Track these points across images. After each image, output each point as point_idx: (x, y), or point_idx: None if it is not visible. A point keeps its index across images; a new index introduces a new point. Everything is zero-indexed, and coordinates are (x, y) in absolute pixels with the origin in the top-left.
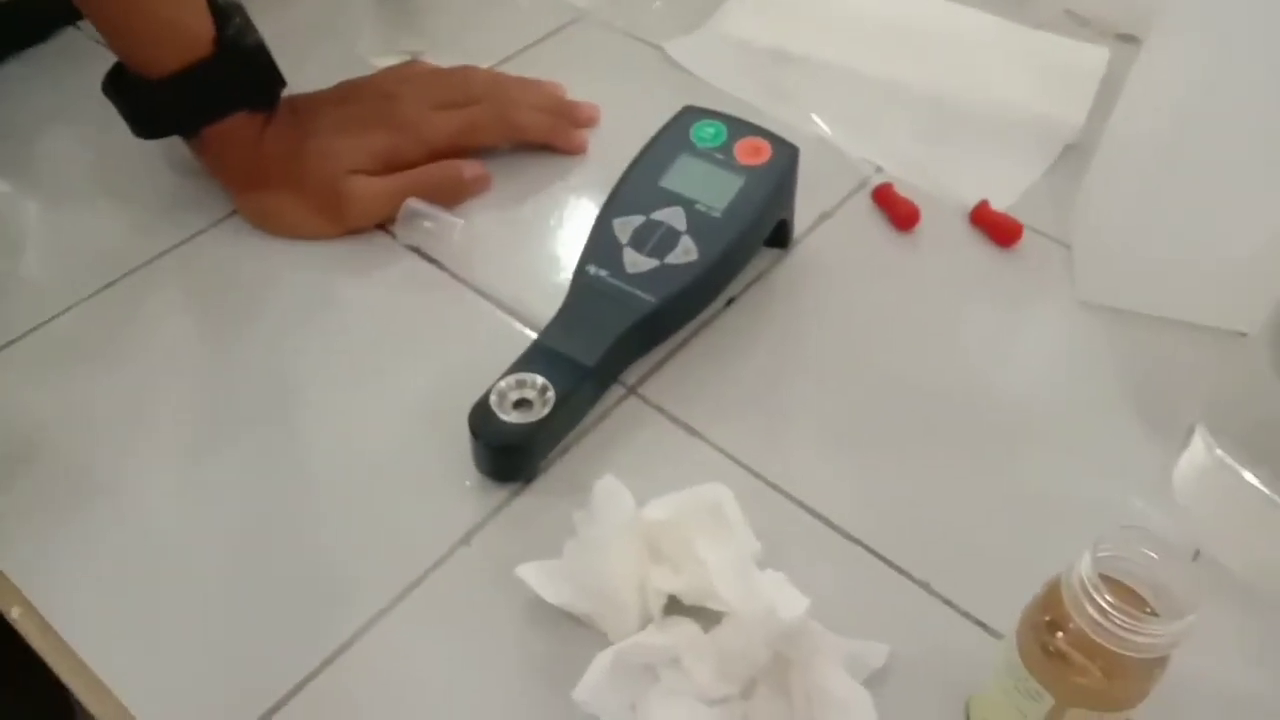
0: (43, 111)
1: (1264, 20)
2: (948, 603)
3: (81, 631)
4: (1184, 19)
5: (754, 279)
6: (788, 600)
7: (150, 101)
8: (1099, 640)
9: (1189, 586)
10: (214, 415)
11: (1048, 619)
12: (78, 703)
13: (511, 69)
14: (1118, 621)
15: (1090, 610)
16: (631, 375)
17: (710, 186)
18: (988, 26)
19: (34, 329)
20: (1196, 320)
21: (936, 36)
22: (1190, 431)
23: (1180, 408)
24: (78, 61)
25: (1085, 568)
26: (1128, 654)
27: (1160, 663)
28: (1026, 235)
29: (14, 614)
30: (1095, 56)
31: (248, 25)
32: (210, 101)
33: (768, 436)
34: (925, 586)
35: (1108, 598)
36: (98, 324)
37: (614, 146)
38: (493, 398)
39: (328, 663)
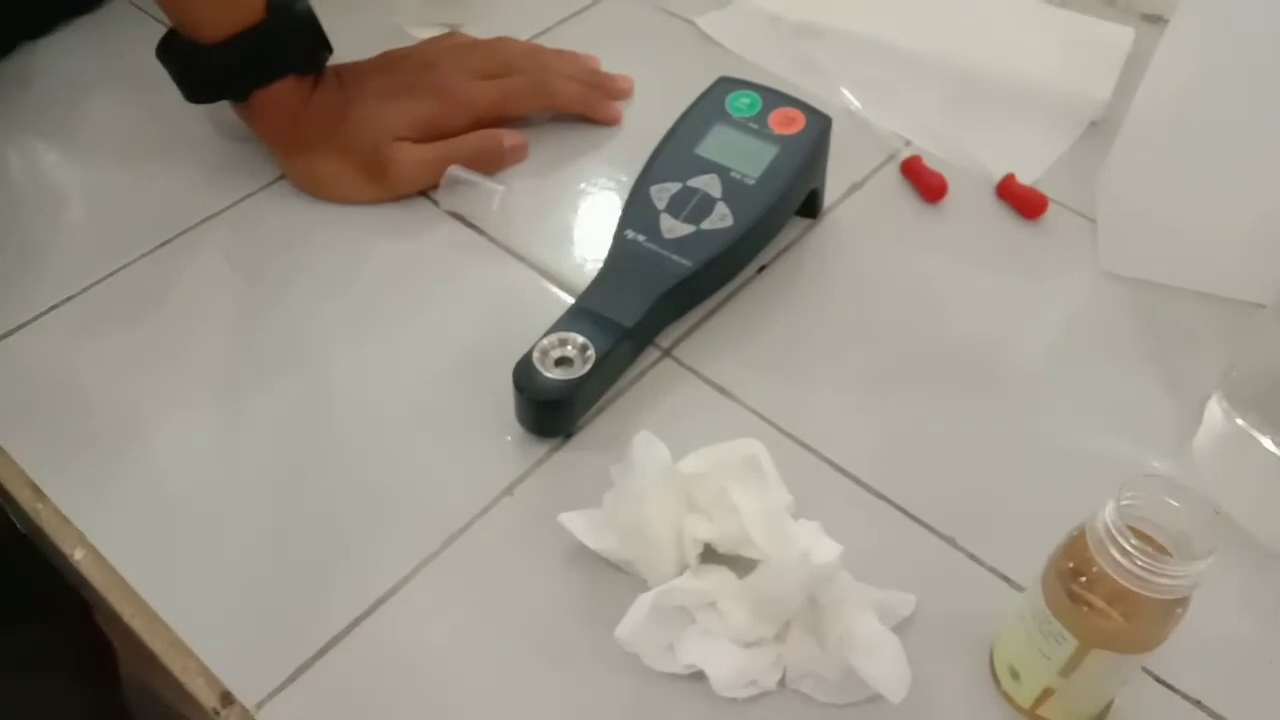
0: (94, 78)
1: None
2: (972, 557)
3: (139, 571)
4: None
5: (785, 247)
6: (822, 546)
7: (202, 66)
8: (1121, 582)
9: (1208, 531)
10: (261, 373)
11: (1071, 565)
12: (120, 640)
13: (547, 42)
14: (1139, 563)
15: (1114, 553)
16: (666, 338)
17: (745, 155)
18: (1016, 5)
19: (88, 287)
20: (1218, 292)
21: (966, 13)
22: (1209, 399)
23: (1200, 376)
24: (127, 30)
25: (1110, 513)
26: (1148, 595)
27: (1180, 605)
28: (1052, 208)
29: (76, 555)
30: (1121, 35)
31: None
32: (260, 66)
33: (797, 397)
34: (950, 541)
35: (1133, 541)
36: (148, 283)
37: (647, 118)
38: (535, 354)
39: (379, 603)
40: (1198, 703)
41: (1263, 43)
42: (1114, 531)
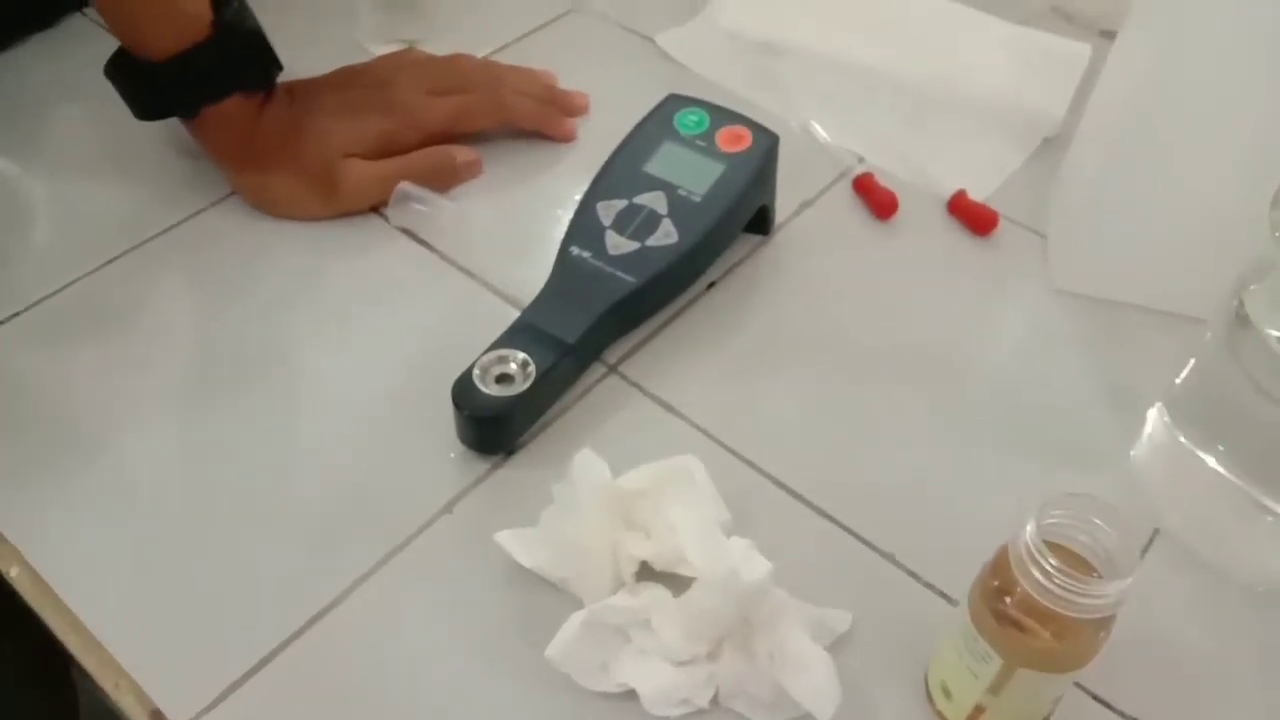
0: (50, 94)
1: (1227, 17)
2: (911, 574)
3: (75, 588)
4: (1152, 15)
5: (735, 264)
6: (752, 564)
7: (150, 83)
8: (1044, 602)
9: (1128, 549)
10: (207, 385)
11: (996, 584)
12: (71, 655)
13: (506, 58)
14: (1060, 584)
15: (1035, 573)
16: (613, 355)
17: (692, 172)
18: (973, 21)
19: (40, 300)
20: (1163, 307)
21: (922, 29)
22: (1149, 413)
23: (1144, 391)
24: (83, 46)
25: (1030, 533)
26: (1071, 615)
27: (1105, 624)
28: (1003, 225)
29: (12, 573)
30: (1077, 52)
31: (244, 8)
32: (208, 82)
33: (743, 414)
34: (889, 558)
35: (1051, 561)
36: (100, 297)
37: (603, 134)
38: (475, 371)
39: (314, 620)
40: (1135, 719)
41: (1207, 58)
42: (1033, 550)
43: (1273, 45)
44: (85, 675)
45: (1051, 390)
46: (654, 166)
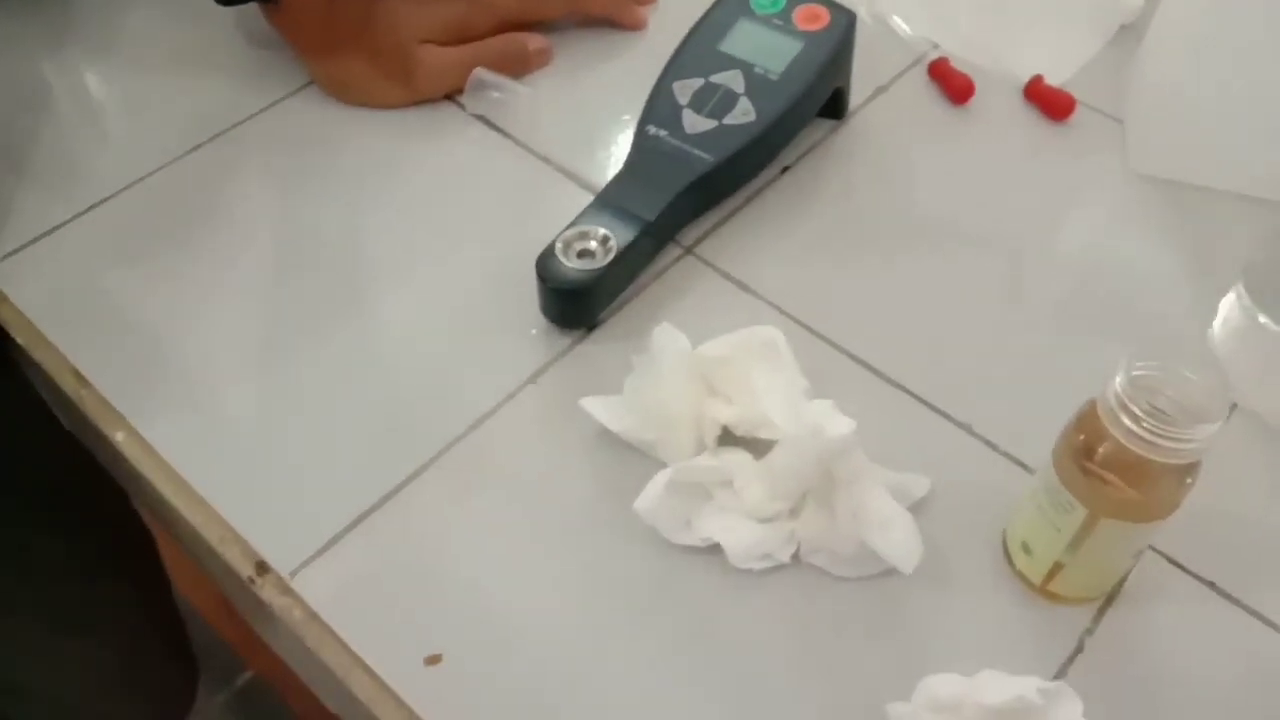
0: None
1: None
2: (988, 443)
3: (178, 452)
4: None
5: (809, 148)
6: (836, 421)
7: None
8: (1131, 447)
9: (1217, 397)
10: (291, 270)
11: (1082, 438)
12: (160, 528)
13: None
14: (1148, 427)
15: (1124, 419)
16: (688, 236)
17: (768, 50)
18: None
19: (119, 191)
20: (1244, 191)
21: None
22: (1229, 292)
23: (1224, 272)
24: None
25: (1120, 382)
26: (1157, 460)
27: (1189, 473)
28: (1080, 110)
29: (118, 437)
30: None
31: None
32: None
33: (818, 293)
34: (966, 428)
35: (1143, 404)
36: (184, 185)
37: (672, 23)
38: (558, 245)
39: (410, 479)
40: (1211, 584)
41: None
42: (1124, 399)
43: None
44: (185, 537)
45: (1129, 271)
46: (730, 45)
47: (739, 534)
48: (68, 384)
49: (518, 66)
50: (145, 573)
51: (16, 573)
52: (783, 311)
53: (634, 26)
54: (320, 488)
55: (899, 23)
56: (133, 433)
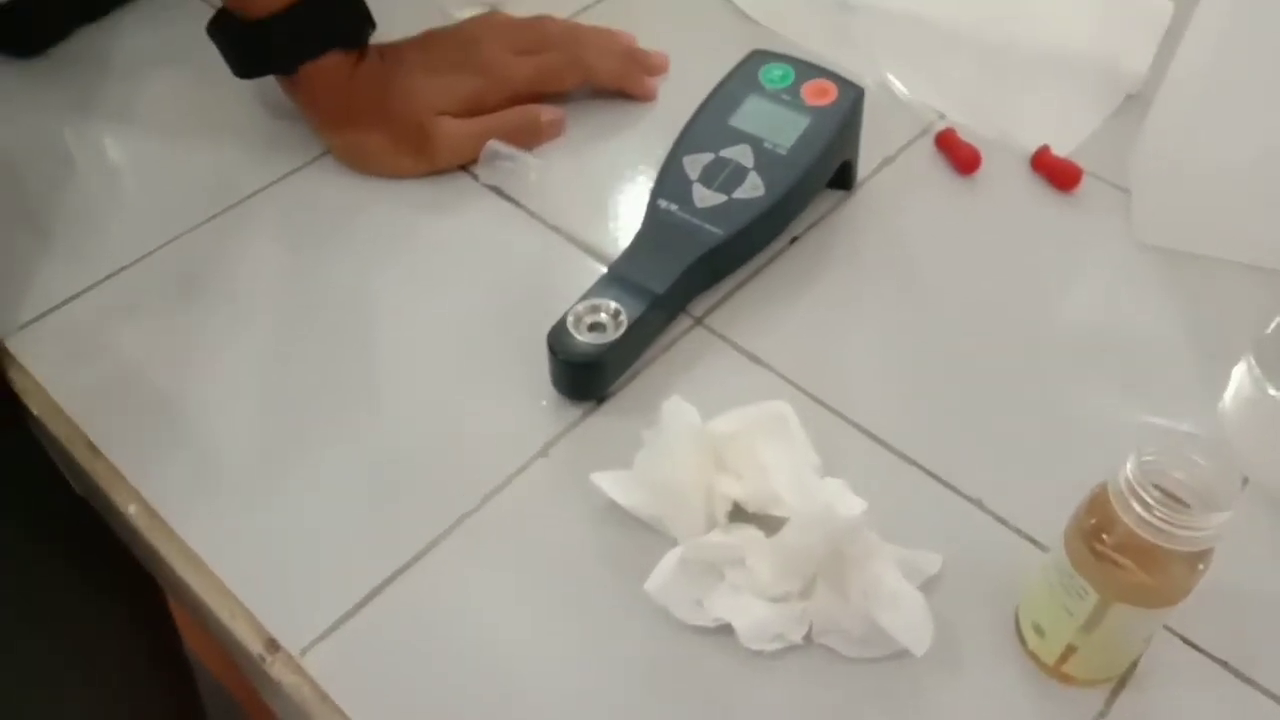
0: (149, 59)
1: None
2: (999, 519)
3: (189, 526)
4: None
5: (818, 219)
6: (846, 501)
7: (251, 40)
8: (1143, 535)
9: (1228, 484)
10: (304, 340)
11: (1094, 521)
12: (172, 591)
13: (586, 20)
14: (1160, 515)
15: (1135, 506)
16: (698, 307)
17: (777, 125)
18: None
19: (136, 260)
20: (1251, 261)
21: None
22: (1237, 365)
23: (1232, 344)
24: (179, 12)
25: (1132, 467)
26: (1171, 547)
27: (1201, 559)
28: (1087, 180)
29: (130, 510)
30: (1160, 8)
31: None
32: (307, 40)
33: (827, 364)
34: (977, 503)
35: (1153, 493)
36: (201, 254)
37: (683, 93)
38: (569, 319)
39: (419, 557)
40: (1224, 664)
41: None
42: (1135, 485)
43: None
44: (195, 610)
45: (1137, 342)
46: (740, 120)
47: (750, 614)
48: (81, 455)
49: (530, 138)
50: (155, 623)
51: (26, 617)
52: (793, 383)
53: (644, 97)
54: (331, 563)
55: (906, 94)
56: (144, 505)
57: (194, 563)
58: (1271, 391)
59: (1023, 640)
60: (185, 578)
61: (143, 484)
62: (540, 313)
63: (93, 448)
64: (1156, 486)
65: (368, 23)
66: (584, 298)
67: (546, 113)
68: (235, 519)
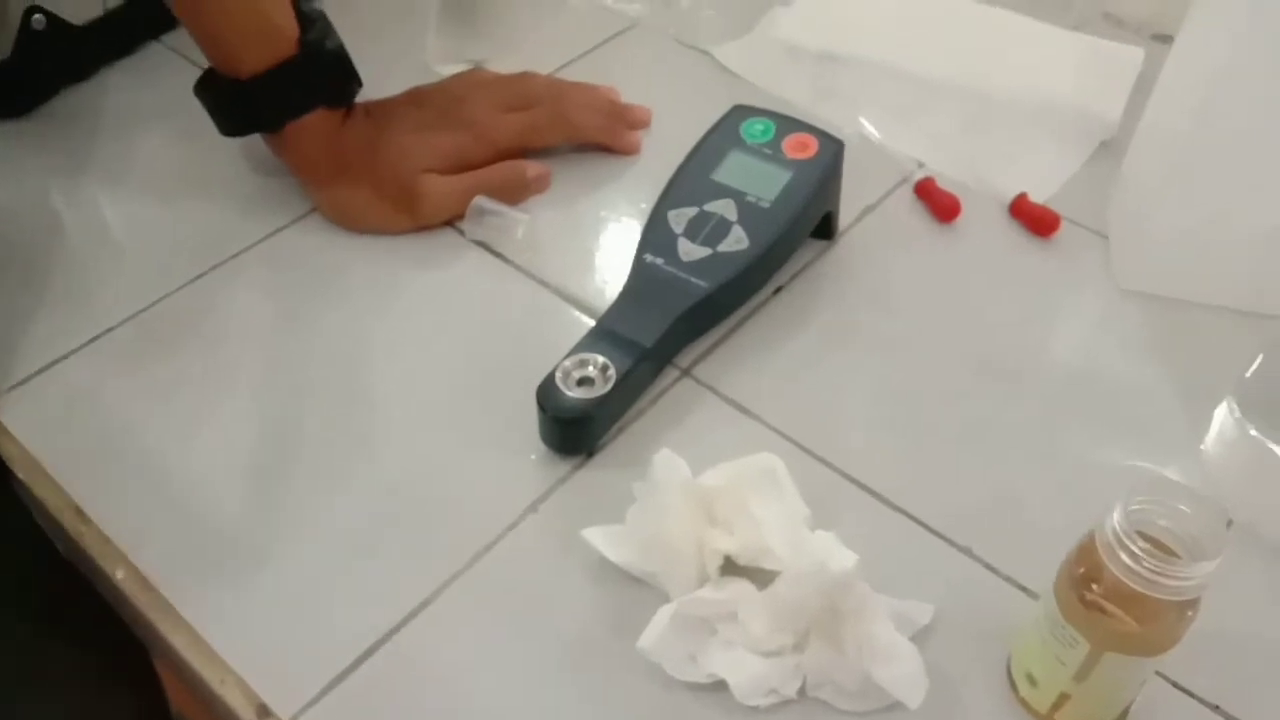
0: (130, 119)
1: None
2: (989, 567)
3: (178, 592)
4: (1213, 16)
5: (801, 268)
6: (838, 554)
7: (238, 99)
8: (1131, 585)
9: (1215, 532)
10: (296, 396)
11: (1082, 570)
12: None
13: (569, 75)
14: (1147, 565)
15: (1122, 556)
16: (686, 358)
17: (760, 179)
18: (1026, 28)
19: (125, 320)
20: (1229, 304)
21: (976, 38)
22: (1220, 407)
23: (1213, 387)
24: (163, 71)
25: (1117, 518)
26: (1158, 597)
27: (1190, 607)
28: (1065, 226)
29: (118, 575)
30: (1131, 55)
31: (328, 27)
32: (293, 99)
33: (815, 413)
34: (967, 551)
35: (1140, 544)
36: (188, 312)
37: (666, 147)
38: (558, 374)
39: (410, 618)
40: (1215, 707)
41: (1268, 56)
42: (1121, 535)
43: None
44: (184, 675)
45: (1120, 386)
46: (722, 174)
47: (744, 669)
48: (68, 521)
49: (517, 193)
50: (142, 685)
51: (8, 678)
52: (781, 433)
53: (628, 151)
54: (321, 626)
55: (885, 144)
56: (132, 569)
57: (183, 628)
58: (1253, 433)
59: (1015, 689)
60: (174, 643)
61: (130, 548)
62: (529, 367)
63: (80, 513)
64: (1143, 535)
65: (354, 81)
66: (572, 352)
67: (532, 168)
68: (225, 583)
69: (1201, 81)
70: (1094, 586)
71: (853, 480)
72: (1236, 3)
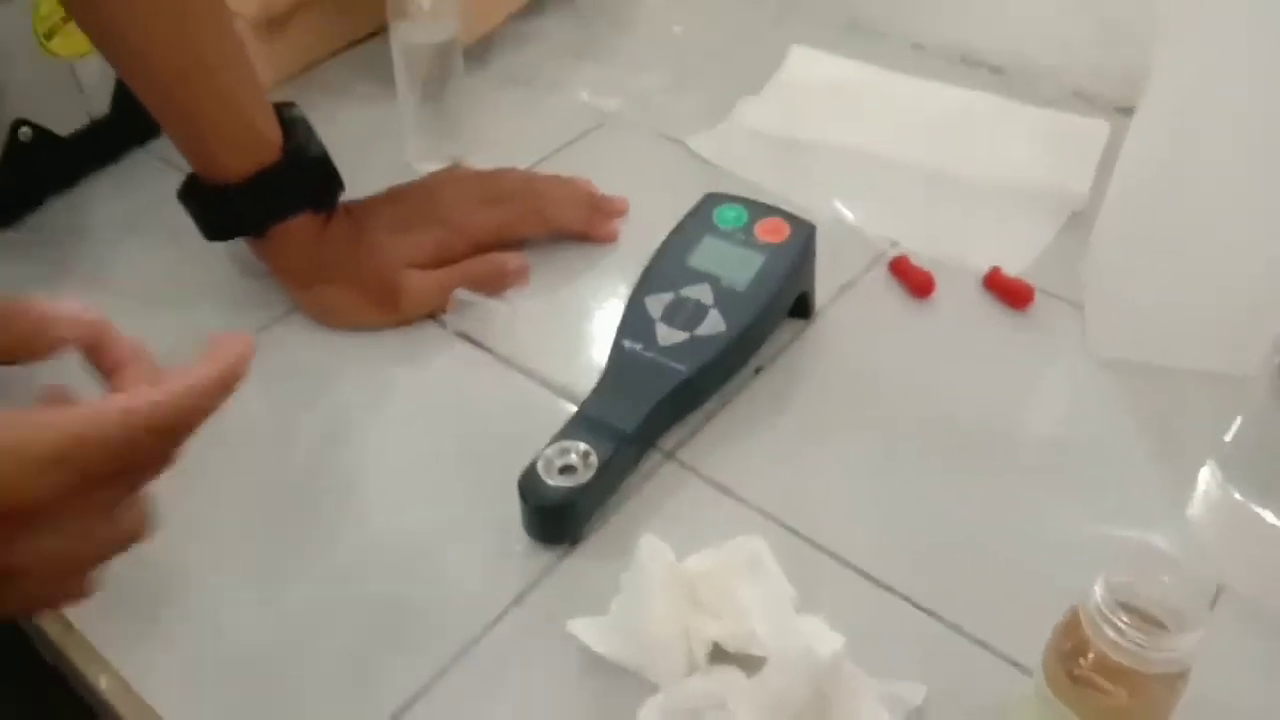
0: (119, 224)
1: (1244, 84)
2: (980, 643)
3: (161, 699)
4: (1172, 85)
5: (780, 349)
6: (824, 639)
7: (222, 205)
8: (1118, 660)
9: (1198, 601)
10: (279, 496)
11: (1069, 646)
12: None
13: (546, 169)
14: (1132, 640)
15: (1108, 632)
16: (668, 441)
17: (734, 264)
18: (995, 107)
19: None
20: (1206, 367)
21: (947, 118)
22: (1201, 471)
23: (1195, 451)
24: (146, 179)
25: (1100, 594)
26: (1146, 670)
27: (1180, 679)
28: (1039, 298)
29: (102, 683)
30: (1096, 128)
31: (310, 133)
32: (277, 203)
33: (799, 493)
34: (957, 629)
35: (1123, 618)
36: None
37: (643, 235)
38: (540, 464)
39: (395, 718)
40: None
41: (1227, 127)
42: (1105, 610)
43: None
44: None
45: (1101, 454)
46: (697, 260)
47: None
48: (53, 629)
49: (498, 285)
50: None
51: None
52: (766, 514)
53: (605, 240)
54: None
55: (858, 224)
56: (116, 676)
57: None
58: (1237, 496)
59: None
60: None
61: (114, 655)
62: (513, 457)
63: (66, 623)
64: (1127, 607)
65: (337, 183)
66: (553, 440)
67: (512, 260)
68: (206, 686)
69: (1164, 149)
70: (1081, 661)
71: (839, 559)
72: (1193, 73)
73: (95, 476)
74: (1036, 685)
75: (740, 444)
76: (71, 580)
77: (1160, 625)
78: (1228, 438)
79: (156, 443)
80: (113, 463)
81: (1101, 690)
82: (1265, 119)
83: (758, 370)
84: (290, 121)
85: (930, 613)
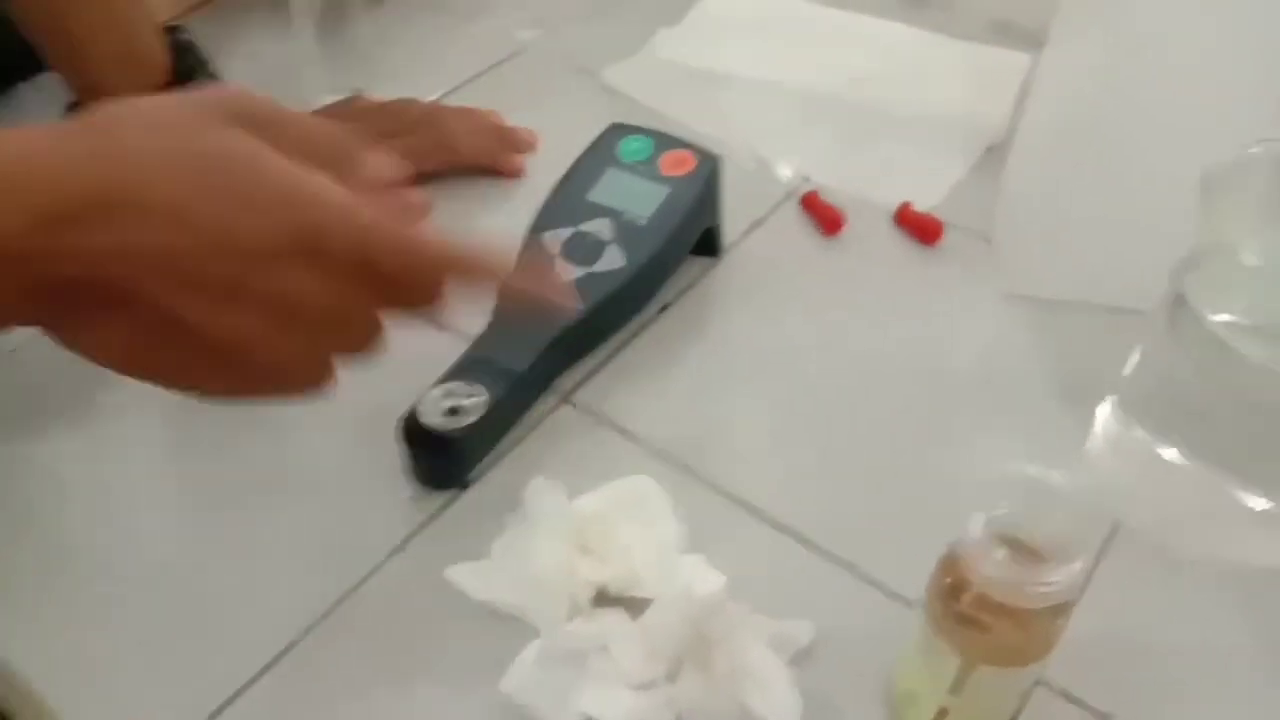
0: None
1: (1155, 15)
2: (873, 582)
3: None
4: (1081, 21)
5: (687, 286)
6: (704, 578)
7: None
8: (997, 596)
9: (1077, 534)
10: (168, 449)
11: (949, 581)
12: None
13: (453, 101)
14: (1009, 575)
15: (984, 567)
16: (567, 382)
17: (636, 197)
18: (912, 38)
19: None
20: (1111, 303)
21: (863, 51)
22: (1100, 407)
23: (1097, 387)
24: (34, 115)
25: (976, 528)
26: (1025, 605)
27: (1061, 612)
28: (951, 232)
29: None
30: (1016, 62)
31: (201, 61)
32: None
33: (700, 434)
34: (851, 568)
35: (998, 553)
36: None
37: (552, 169)
38: (421, 406)
39: (273, 663)
40: (1107, 716)
41: (1136, 58)
42: (980, 544)
43: (1201, 45)
44: None
45: (1006, 390)
46: (598, 194)
47: (616, 707)
48: None
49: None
50: None
51: None
52: (664, 455)
53: (511, 173)
54: (186, 672)
55: (770, 159)
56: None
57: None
58: (1136, 431)
59: (897, 707)
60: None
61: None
62: (401, 400)
63: None
64: (1008, 541)
65: None
66: (439, 382)
67: (412, 195)
68: (75, 648)
69: (1072, 87)
70: (962, 597)
71: (736, 500)
72: (1103, 3)
73: (328, 254)
74: (919, 623)
75: (642, 384)
76: (309, 360)
77: (1041, 558)
78: (1126, 373)
79: (399, 267)
80: (349, 252)
81: (983, 626)
82: (1176, 52)
83: (663, 308)
84: (180, 46)
85: (825, 552)
